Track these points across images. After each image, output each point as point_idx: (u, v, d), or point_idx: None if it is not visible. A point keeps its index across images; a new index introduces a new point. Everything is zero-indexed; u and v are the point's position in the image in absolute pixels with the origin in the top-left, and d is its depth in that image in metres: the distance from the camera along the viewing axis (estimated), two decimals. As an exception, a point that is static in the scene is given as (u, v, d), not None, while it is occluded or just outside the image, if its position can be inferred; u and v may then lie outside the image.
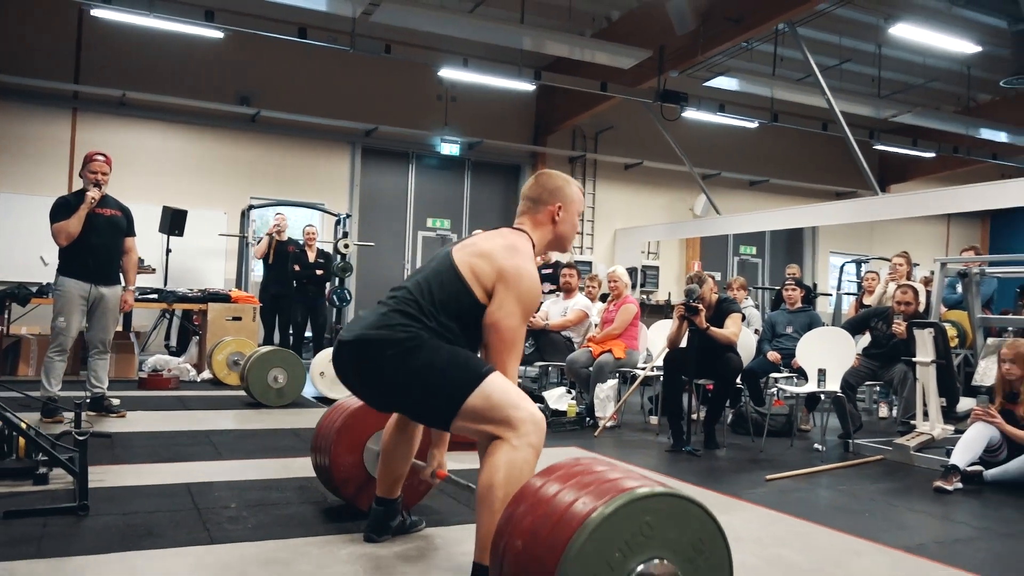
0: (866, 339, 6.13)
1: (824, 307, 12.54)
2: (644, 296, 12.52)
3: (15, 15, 10.03)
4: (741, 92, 11.71)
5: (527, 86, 10.92)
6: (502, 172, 13.38)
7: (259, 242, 8.97)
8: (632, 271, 10.92)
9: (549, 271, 8.56)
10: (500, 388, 2.24)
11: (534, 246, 2.52)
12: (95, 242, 5.12)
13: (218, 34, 9.54)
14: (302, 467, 4.00)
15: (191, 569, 2.48)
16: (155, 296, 7.95)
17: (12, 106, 10.10)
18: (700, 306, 5.20)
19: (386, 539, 2.83)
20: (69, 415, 4.91)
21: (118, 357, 7.36)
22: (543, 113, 12.97)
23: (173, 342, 9.46)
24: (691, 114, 11.47)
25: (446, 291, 2.37)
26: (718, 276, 13.81)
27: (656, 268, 13.47)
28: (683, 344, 5.36)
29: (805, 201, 14.13)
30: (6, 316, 7.45)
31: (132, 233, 5.42)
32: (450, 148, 12.26)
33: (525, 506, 1.88)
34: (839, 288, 11.51)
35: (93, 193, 5.07)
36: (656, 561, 1.74)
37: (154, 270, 9.21)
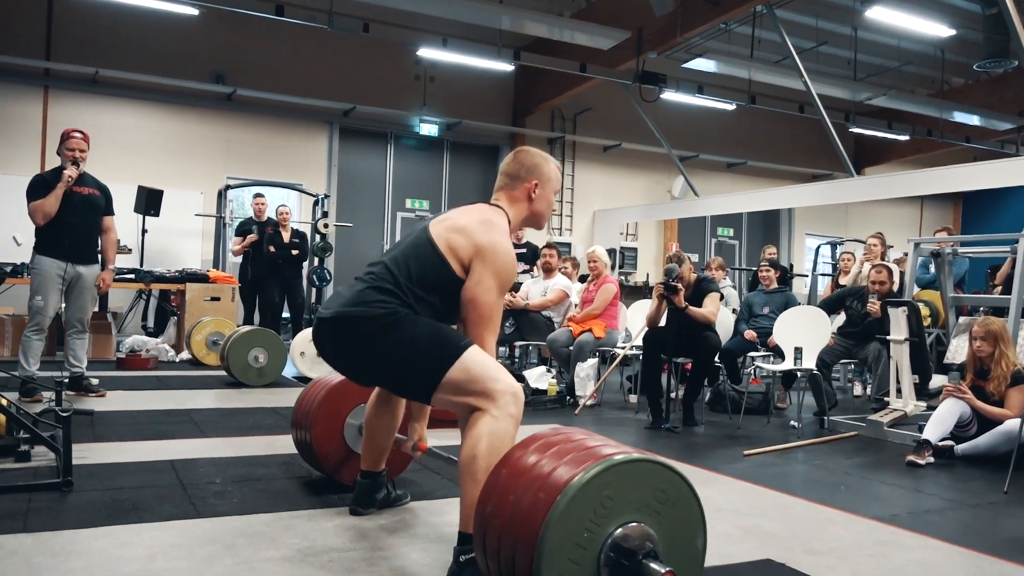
0: (841, 318, 6.23)
1: (800, 288, 12.68)
2: (623, 277, 12.58)
3: (-18, -10, 9.81)
4: (719, 74, 11.73)
5: (506, 66, 10.89)
6: (481, 153, 13.34)
7: (242, 236, 8.89)
8: (611, 252, 10.98)
9: (523, 251, 8.54)
10: (479, 361, 2.27)
11: (510, 222, 2.54)
12: (72, 221, 5.07)
13: (193, 11, 9.39)
14: (285, 444, 4.01)
15: (178, 542, 2.50)
16: (132, 276, 7.88)
17: (-19, 83, 9.90)
18: (679, 285, 5.26)
19: (372, 512, 2.86)
20: (47, 394, 4.89)
21: (95, 338, 7.29)
22: (522, 94, 12.93)
23: (150, 323, 9.39)
24: (669, 96, 11.50)
25: (423, 265, 2.39)
26: (695, 258, 13.93)
27: (635, 249, 13.56)
28: (662, 323, 5.43)
29: (782, 183, 14.22)
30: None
31: (110, 212, 5.38)
32: (429, 128, 12.19)
33: (505, 475, 1.93)
34: (815, 269, 11.64)
35: (70, 171, 5.01)
36: (632, 524, 1.80)
37: (130, 250, 9.10)
